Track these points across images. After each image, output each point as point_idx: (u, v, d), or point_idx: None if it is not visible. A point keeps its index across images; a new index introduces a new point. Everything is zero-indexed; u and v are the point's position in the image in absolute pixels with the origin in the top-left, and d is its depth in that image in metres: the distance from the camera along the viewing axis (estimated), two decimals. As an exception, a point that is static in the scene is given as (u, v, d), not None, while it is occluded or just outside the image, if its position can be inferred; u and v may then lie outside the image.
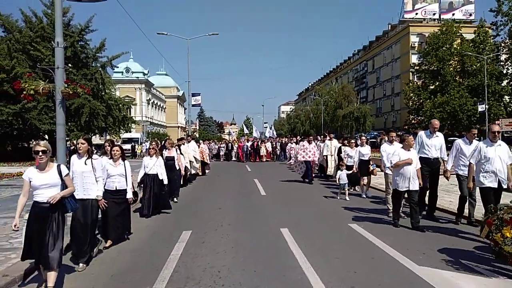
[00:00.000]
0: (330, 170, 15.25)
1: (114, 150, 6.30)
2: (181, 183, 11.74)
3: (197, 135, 68.58)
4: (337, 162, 13.77)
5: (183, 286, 4.38)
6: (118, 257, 5.54)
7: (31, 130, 26.46)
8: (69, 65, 18.46)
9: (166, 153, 10.31)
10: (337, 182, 10.59)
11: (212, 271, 4.85)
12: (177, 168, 10.62)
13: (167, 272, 4.83)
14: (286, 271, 4.84)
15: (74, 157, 5.30)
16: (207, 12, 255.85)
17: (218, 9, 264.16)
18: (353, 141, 12.40)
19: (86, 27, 27.24)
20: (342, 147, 13.34)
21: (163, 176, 8.32)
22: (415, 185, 6.92)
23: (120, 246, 6.08)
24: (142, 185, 8.29)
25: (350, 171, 10.90)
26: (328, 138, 16.11)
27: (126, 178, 6.27)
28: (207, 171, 18.67)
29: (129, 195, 6.22)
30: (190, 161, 13.84)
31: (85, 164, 5.16)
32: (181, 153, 11.83)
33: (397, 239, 6.23)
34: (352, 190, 11.52)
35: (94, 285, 4.51)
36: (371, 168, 10.89)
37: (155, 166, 8.24)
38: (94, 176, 5.22)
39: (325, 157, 15.61)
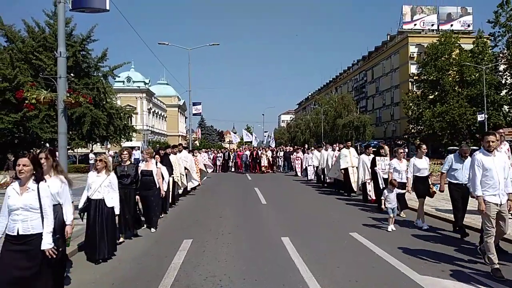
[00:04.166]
0: (355, 185, 12.48)
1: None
2: (161, 207, 8.97)
3: (198, 144, 68.67)
4: (365, 176, 11.31)
5: (184, 294, 4.37)
6: (119, 266, 5.53)
7: (32, 139, 26.47)
8: (71, 74, 18.58)
9: (142, 165, 8.04)
10: (383, 206, 7.85)
11: (213, 280, 4.85)
12: (157, 186, 8.04)
13: (168, 280, 4.83)
14: (287, 280, 4.83)
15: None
16: (208, 23, 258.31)
17: (219, 21, 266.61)
18: (401, 151, 9.08)
19: (88, 36, 27.39)
20: (379, 158, 10.41)
21: (113, 202, 5.82)
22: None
23: (121, 255, 6.07)
24: (83, 214, 5.85)
25: (403, 191, 8.29)
26: (342, 146, 14.19)
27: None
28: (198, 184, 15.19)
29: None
30: (180, 175, 11.73)
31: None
32: (170, 165, 9.86)
33: (398, 248, 6.22)
34: (401, 215, 8.90)
35: (95, 293, 4.51)
36: (434, 188, 8.12)
37: (102, 187, 5.77)
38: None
39: (342, 171, 12.94)
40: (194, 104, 30.38)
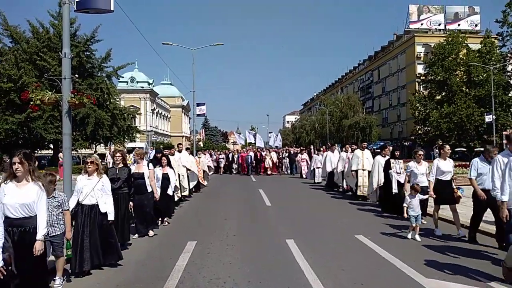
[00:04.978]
0: (362, 189, 11.92)
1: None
2: (166, 211, 8.83)
3: (202, 145, 68.76)
4: (380, 180, 10.34)
5: (187, 297, 4.33)
6: (123, 268, 5.50)
7: (36, 140, 26.65)
8: (76, 75, 18.63)
9: (133, 168, 7.50)
10: (405, 214, 7.12)
11: (217, 282, 4.79)
12: (149, 190, 7.52)
13: (172, 282, 4.78)
14: (291, 282, 4.77)
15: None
16: (212, 23, 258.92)
17: (223, 20, 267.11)
18: (421, 152, 8.28)
19: (92, 37, 27.57)
20: (393, 160, 9.57)
21: (107, 207, 5.35)
22: None
23: (125, 257, 6.02)
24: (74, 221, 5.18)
25: (425, 196, 7.58)
26: (355, 147, 13.56)
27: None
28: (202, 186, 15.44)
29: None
30: (180, 175, 11.34)
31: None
32: (170, 166, 9.13)
33: (404, 251, 6.13)
34: (422, 221, 7.70)
35: (98, 296, 4.47)
36: (459, 192, 7.41)
37: (94, 191, 5.30)
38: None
39: (353, 173, 12.37)
40: (198, 104, 30.35)
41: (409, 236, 6.95)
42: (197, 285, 4.70)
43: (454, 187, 7.49)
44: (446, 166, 7.39)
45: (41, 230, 3.80)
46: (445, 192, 7.25)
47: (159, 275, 5.09)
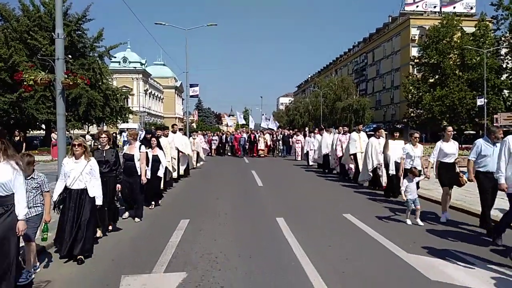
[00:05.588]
0: (363, 172, 11.25)
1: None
2: (156, 194, 8.64)
3: (195, 126, 68.66)
4: (376, 162, 10.38)
5: (181, 270, 4.55)
6: (118, 244, 5.70)
7: (28, 120, 26.47)
8: (69, 56, 18.39)
9: (125, 149, 7.47)
10: (403, 197, 7.03)
11: (209, 257, 5.02)
12: (139, 173, 7.22)
13: (166, 257, 5.00)
14: (280, 257, 5.02)
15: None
16: (206, 3, 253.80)
17: (217, 1, 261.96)
18: (416, 135, 8.20)
19: (83, 16, 27.09)
20: (392, 142, 9.49)
21: (95, 191, 5.09)
22: None
23: (119, 234, 6.23)
24: (59, 207, 5.04)
25: (420, 178, 7.40)
26: (346, 129, 13.65)
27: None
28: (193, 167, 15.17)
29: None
30: (172, 158, 11.05)
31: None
32: (160, 148, 8.77)
33: (389, 229, 6.41)
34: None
35: (95, 268, 4.68)
36: (464, 177, 6.86)
37: (83, 175, 5.02)
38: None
39: (351, 156, 12.16)
40: (191, 85, 30.24)
41: (409, 221, 6.80)
42: (190, 260, 4.92)
43: (460, 171, 7.20)
44: (449, 148, 7.17)
45: (22, 210, 3.63)
46: (449, 174, 7.04)
47: (153, 250, 5.30)
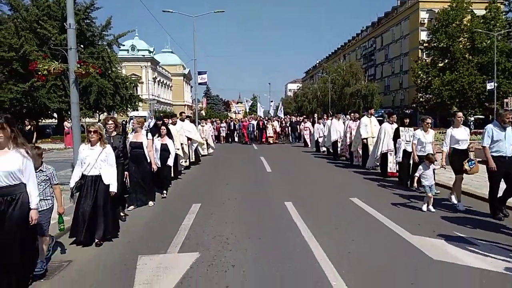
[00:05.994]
0: (371, 157, 11.22)
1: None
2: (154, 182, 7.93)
3: (204, 114, 68.87)
4: (387, 146, 10.23)
5: (194, 250, 4.79)
6: (133, 227, 5.96)
7: (40, 109, 26.91)
8: (81, 46, 18.58)
9: (131, 137, 7.35)
10: (415, 183, 7.31)
11: (220, 239, 5.26)
12: (148, 160, 7.24)
13: (179, 239, 5.25)
14: (289, 239, 5.23)
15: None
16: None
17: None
18: (428, 120, 8.06)
19: (91, 4, 27.20)
20: (403, 129, 9.32)
21: (110, 179, 5.14)
22: None
23: (134, 219, 6.49)
24: (76, 194, 5.08)
25: (437, 167, 7.33)
26: (357, 115, 13.51)
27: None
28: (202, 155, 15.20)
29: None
30: (182, 145, 11.07)
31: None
32: (169, 137, 8.70)
33: (395, 213, 6.57)
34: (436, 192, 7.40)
35: (113, 250, 4.95)
36: (466, 165, 6.62)
37: (98, 161, 5.11)
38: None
39: (364, 140, 12.03)
40: (200, 73, 30.26)
41: (424, 208, 6.70)
42: (202, 241, 5.16)
43: (471, 158, 6.89)
44: (460, 134, 7.01)
45: (34, 199, 3.60)
46: (461, 161, 6.72)
47: (167, 233, 5.55)
